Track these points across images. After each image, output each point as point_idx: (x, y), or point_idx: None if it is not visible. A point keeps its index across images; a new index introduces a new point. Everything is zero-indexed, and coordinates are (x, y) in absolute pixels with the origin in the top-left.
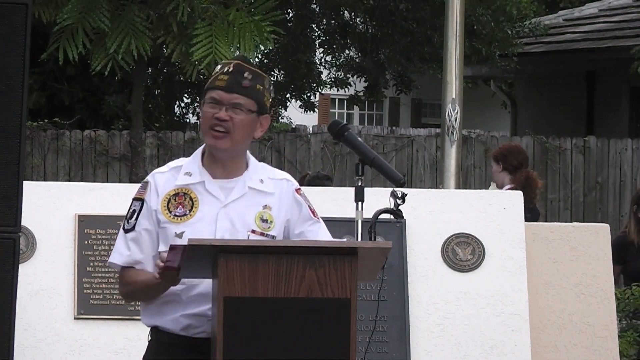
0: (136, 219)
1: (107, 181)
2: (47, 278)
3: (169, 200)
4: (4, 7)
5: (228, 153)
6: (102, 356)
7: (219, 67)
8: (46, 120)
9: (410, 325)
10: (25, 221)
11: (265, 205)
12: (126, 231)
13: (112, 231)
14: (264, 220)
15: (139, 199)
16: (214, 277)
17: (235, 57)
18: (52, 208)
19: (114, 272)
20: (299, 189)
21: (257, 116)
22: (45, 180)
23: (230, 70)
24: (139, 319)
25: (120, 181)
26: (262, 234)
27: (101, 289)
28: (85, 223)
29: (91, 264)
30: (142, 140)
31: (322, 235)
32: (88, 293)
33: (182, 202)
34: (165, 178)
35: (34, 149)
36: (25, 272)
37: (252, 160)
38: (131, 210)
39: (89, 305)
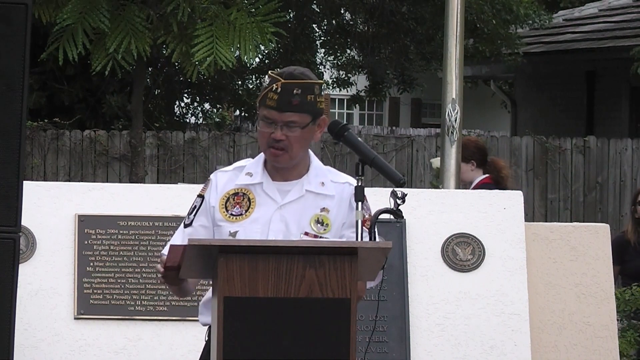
0: (195, 214)
1: (107, 181)
2: (47, 278)
3: (228, 199)
4: (4, 7)
5: (288, 165)
6: (102, 356)
7: (267, 79)
8: (46, 120)
9: (410, 325)
10: (25, 221)
11: (324, 208)
12: (185, 226)
13: (112, 231)
14: (320, 223)
15: (201, 196)
16: (214, 277)
17: (281, 73)
18: (52, 208)
19: (114, 272)
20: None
21: (312, 125)
22: (45, 180)
23: (278, 91)
24: (139, 319)
25: (120, 181)
26: (315, 237)
27: (101, 289)
28: (85, 223)
29: (91, 264)
30: (142, 140)
31: None
32: (88, 293)
33: (240, 202)
34: (227, 177)
35: (34, 149)
36: (25, 272)
37: (314, 163)
38: (192, 206)
39: (89, 305)
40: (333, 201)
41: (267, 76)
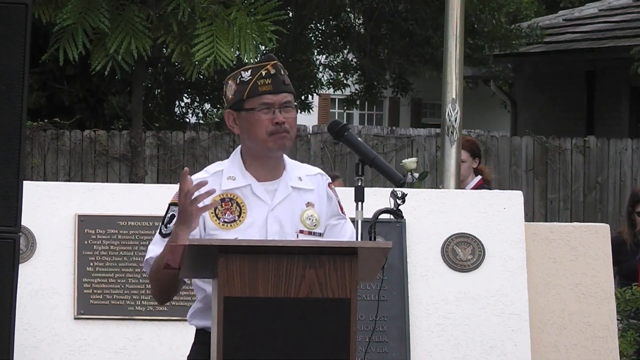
0: (174, 223)
1: (107, 181)
2: (47, 278)
3: (216, 206)
4: (4, 7)
5: (285, 151)
6: (102, 356)
7: (248, 72)
8: (46, 120)
9: (410, 325)
10: (25, 221)
11: (308, 203)
12: (164, 236)
13: (112, 231)
14: (310, 219)
15: (177, 204)
16: (214, 277)
17: (265, 58)
18: (52, 208)
19: (114, 272)
20: (330, 183)
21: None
22: (45, 180)
23: (272, 72)
24: (139, 319)
25: (120, 181)
26: (309, 233)
27: (101, 289)
28: (85, 223)
29: (91, 264)
30: (142, 140)
31: (345, 230)
32: (88, 293)
33: (229, 207)
34: (209, 183)
35: (34, 149)
36: (25, 272)
37: (287, 159)
38: (169, 215)
39: (89, 305)
40: (314, 194)
41: (244, 70)
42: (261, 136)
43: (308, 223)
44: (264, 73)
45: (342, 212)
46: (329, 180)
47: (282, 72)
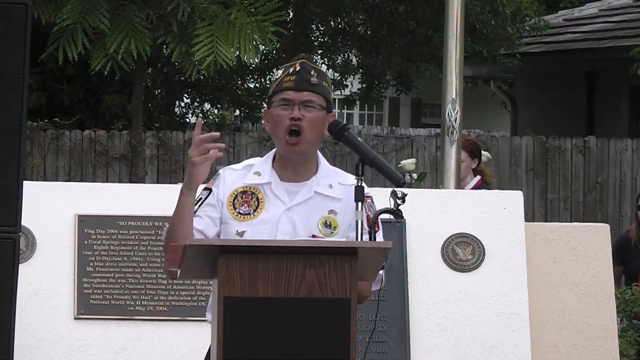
0: (200, 205)
1: (107, 181)
2: (47, 278)
3: (236, 196)
4: (4, 7)
5: (302, 155)
6: (102, 356)
7: (281, 70)
8: (46, 120)
9: (410, 325)
10: (25, 221)
11: (331, 210)
12: None
13: (112, 231)
14: (327, 226)
15: (207, 189)
16: (214, 277)
17: (298, 57)
18: (52, 208)
19: (114, 272)
20: (368, 197)
21: (326, 114)
22: (45, 180)
23: (297, 69)
24: (139, 319)
25: (120, 181)
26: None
27: (101, 289)
28: (85, 223)
29: (91, 264)
30: (142, 140)
31: None
32: (88, 293)
33: (248, 200)
34: (237, 175)
35: (34, 149)
36: (25, 272)
37: (323, 164)
38: (198, 198)
39: (89, 305)
40: (340, 203)
41: (277, 69)
42: (280, 134)
43: (324, 230)
44: (290, 70)
45: (377, 228)
46: (365, 193)
47: (311, 72)
